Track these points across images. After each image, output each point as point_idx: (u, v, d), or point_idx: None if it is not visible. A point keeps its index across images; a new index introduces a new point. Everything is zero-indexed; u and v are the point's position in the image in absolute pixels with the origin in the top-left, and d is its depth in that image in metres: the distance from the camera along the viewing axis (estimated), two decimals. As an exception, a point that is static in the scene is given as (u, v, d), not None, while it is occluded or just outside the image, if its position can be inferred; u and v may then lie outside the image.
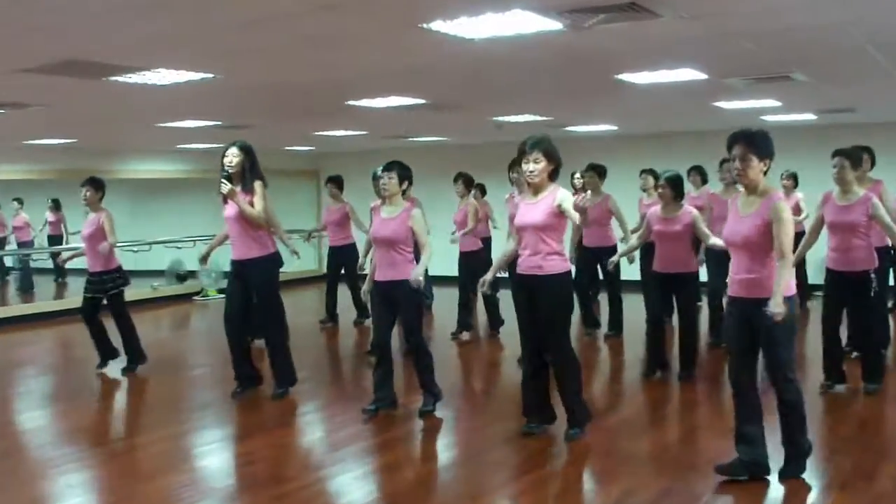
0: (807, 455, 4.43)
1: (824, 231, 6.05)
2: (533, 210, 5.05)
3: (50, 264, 14.14)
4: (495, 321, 8.92)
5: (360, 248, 8.95)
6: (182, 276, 13.58)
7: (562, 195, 4.97)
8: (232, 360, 6.55)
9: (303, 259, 9.04)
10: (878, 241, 6.22)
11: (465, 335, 8.94)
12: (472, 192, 9.26)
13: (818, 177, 7.77)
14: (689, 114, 9.60)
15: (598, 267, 8.54)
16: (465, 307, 8.97)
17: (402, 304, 5.77)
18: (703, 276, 7.71)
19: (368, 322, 8.66)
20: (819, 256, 6.59)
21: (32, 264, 14.84)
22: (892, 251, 7.17)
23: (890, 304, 8.99)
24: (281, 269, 6.65)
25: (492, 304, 8.83)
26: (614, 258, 7.21)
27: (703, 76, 6.54)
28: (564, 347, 5.18)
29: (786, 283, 4.09)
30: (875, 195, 5.96)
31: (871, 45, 5.46)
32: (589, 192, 8.57)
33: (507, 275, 6.41)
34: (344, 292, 9.69)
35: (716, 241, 6.35)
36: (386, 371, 5.93)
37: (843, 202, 5.89)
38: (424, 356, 5.94)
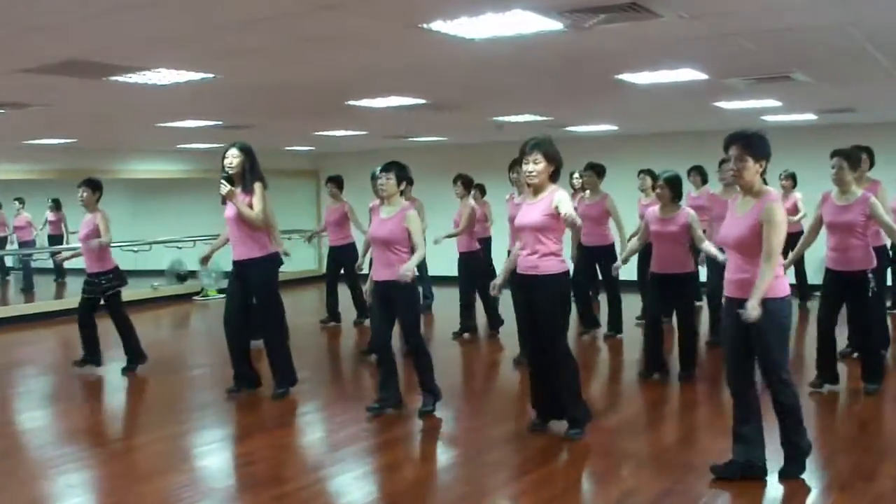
0: (806, 455, 4.42)
1: (824, 231, 6.05)
2: (532, 211, 5.06)
3: (50, 264, 14.15)
4: (495, 321, 8.92)
5: (360, 248, 8.99)
6: (182, 276, 13.57)
7: (560, 197, 4.96)
8: (231, 360, 6.55)
9: (303, 259, 9.04)
10: (875, 240, 6.21)
11: (467, 336, 8.95)
12: (472, 192, 9.25)
13: (817, 177, 7.76)
14: (689, 114, 9.59)
15: (597, 266, 8.54)
16: (467, 309, 8.96)
17: (399, 304, 5.78)
18: (703, 276, 7.73)
19: (368, 322, 8.65)
20: (818, 256, 6.59)
21: (32, 264, 14.84)
22: (891, 251, 7.17)
23: (889, 304, 8.99)
24: (280, 269, 6.65)
25: (491, 305, 8.84)
26: (618, 263, 7.18)
27: (704, 76, 6.54)
28: (561, 347, 5.17)
29: (767, 285, 4.07)
30: (872, 195, 5.97)
31: (871, 45, 5.46)
32: (587, 191, 8.61)
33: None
34: (344, 292, 9.70)
35: (709, 246, 6.35)
36: (389, 371, 5.94)
37: (842, 202, 5.90)
38: (423, 356, 5.94)
